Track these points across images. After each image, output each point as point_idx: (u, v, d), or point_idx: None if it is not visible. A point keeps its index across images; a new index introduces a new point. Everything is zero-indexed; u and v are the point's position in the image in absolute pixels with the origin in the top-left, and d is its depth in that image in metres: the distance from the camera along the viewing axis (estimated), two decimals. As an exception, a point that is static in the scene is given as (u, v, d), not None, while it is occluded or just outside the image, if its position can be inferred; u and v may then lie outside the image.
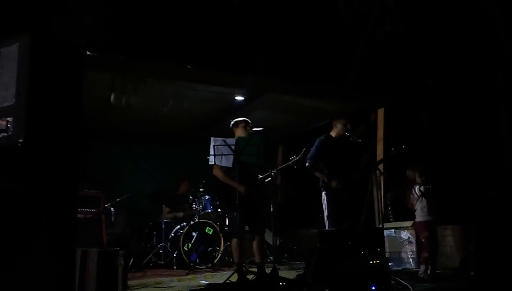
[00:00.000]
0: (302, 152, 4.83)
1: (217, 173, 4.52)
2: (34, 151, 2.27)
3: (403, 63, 5.35)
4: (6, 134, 2.28)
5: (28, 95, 2.29)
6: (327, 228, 4.77)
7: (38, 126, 2.30)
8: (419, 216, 4.79)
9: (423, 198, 4.76)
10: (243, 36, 4.47)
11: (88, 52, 3.81)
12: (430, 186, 4.76)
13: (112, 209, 6.03)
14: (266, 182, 5.05)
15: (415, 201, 4.83)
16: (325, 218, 4.83)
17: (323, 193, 4.90)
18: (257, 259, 4.54)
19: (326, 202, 4.85)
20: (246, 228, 4.73)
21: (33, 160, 2.27)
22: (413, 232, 5.44)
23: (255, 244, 4.52)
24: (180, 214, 6.73)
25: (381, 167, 5.33)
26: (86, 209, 5.24)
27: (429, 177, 4.84)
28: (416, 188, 4.80)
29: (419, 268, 4.79)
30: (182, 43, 4.31)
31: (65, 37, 2.71)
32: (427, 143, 5.48)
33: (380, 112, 6.41)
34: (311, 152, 4.94)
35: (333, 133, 5.12)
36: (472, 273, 4.59)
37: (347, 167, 4.88)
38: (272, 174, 4.92)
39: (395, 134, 6.05)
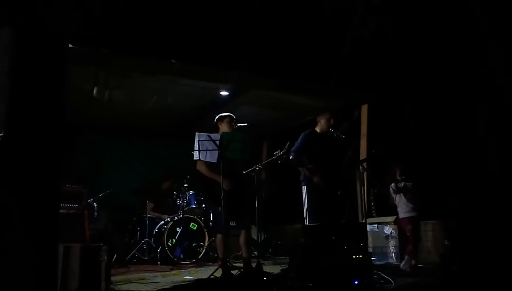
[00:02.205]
0: (286, 147, 4.86)
1: (200, 167, 4.51)
2: (15, 145, 2.24)
3: (387, 61, 5.40)
4: (-14, 128, 2.24)
5: (9, 88, 2.25)
6: (307, 221, 4.82)
7: (19, 120, 2.26)
8: (402, 213, 4.89)
9: (401, 195, 4.85)
10: (229, 31, 4.45)
11: (70, 45, 3.75)
12: (405, 184, 4.85)
13: (95, 204, 5.98)
14: (251, 177, 5.06)
15: (394, 198, 4.94)
16: (305, 211, 4.87)
17: (304, 186, 4.94)
18: (243, 253, 4.54)
19: (306, 196, 4.90)
20: (233, 223, 4.74)
21: (14, 154, 2.24)
22: (395, 227, 5.53)
23: (241, 238, 4.52)
24: (165, 216, 6.65)
25: (364, 163, 5.40)
26: (69, 204, 5.20)
27: (410, 174, 4.93)
28: (392, 185, 4.90)
29: (402, 260, 4.89)
30: (167, 37, 4.27)
31: (47, 29, 2.66)
32: (410, 139, 5.56)
33: (364, 109, 6.48)
34: (295, 145, 4.98)
35: (317, 129, 5.18)
36: (453, 268, 4.68)
37: (330, 162, 4.93)
38: (257, 169, 4.93)
39: (378, 130, 6.13)
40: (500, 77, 4.57)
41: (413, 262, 4.70)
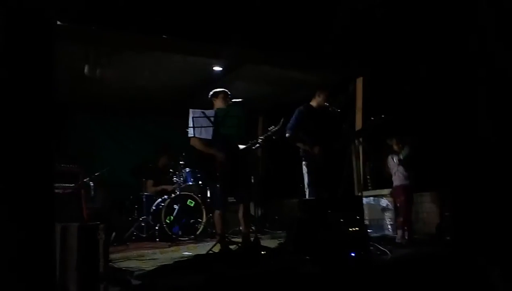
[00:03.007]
0: (281, 122, 4.84)
1: (194, 143, 4.47)
2: (5, 125, 2.20)
3: (381, 33, 5.33)
4: (-25, 108, 2.20)
5: (-4, 68, 2.20)
6: (307, 197, 4.84)
7: (9, 99, 2.22)
8: (396, 181, 4.91)
9: (400, 166, 4.87)
10: (220, 4, 4.36)
11: (59, 22, 3.65)
12: (408, 155, 4.85)
13: (91, 183, 5.96)
14: (247, 152, 5.04)
15: (392, 169, 4.94)
16: (306, 187, 4.88)
17: (303, 162, 4.94)
18: (242, 228, 4.56)
19: (306, 171, 4.90)
20: (231, 199, 4.75)
21: (5, 134, 2.20)
22: (391, 199, 5.57)
23: (240, 212, 4.53)
24: (163, 187, 6.70)
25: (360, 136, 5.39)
26: (65, 184, 5.18)
27: (407, 145, 4.93)
28: (395, 158, 4.90)
29: (396, 233, 4.93)
30: (157, 12, 4.18)
31: (34, 5, 2.58)
32: (406, 112, 5.54)
33: (359, 82, 6.43)
34: (290, 122, 4.94)
35: (313, 103, 5.14)
36: (447, 238, 4.74)
37: (327, 136, 4.92)
38: (257, 142, 4.87)
39: (374, 104, 6.10)
40: (492, 42, 4.52)
41: (406, 234, 4.71)
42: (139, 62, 5.60)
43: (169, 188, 6.62)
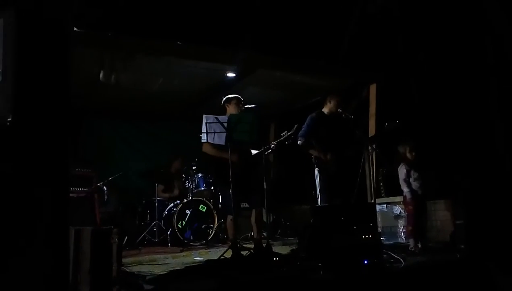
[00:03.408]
0: (294, 128, 4.82)
1: (206, 149, 4.49)
2: (23, 130, 2.23)
3: (394, 39, 5.31)
4: (-7, 113, 2.23)
5: (15, 72, 2.24)
6: (319, 203, 4.81)
7: (26, 104, 2.25)
8: (407, 190, 4.83)
9: (410, 176, 4.79)
10: (234, 10, 4.39)
11: (75, 29, 3.71)
12: (415, 169, 4.77)
13: (104, 188, 6.01)
14: (259, 158, 5.04)
15: (402, 178, 4.87)
16: (318, 193, 4.86)
17: (316, 169, 4.92)
18: (254, 233, 4.55)
19: (318, 178, 4.88)
20: (243, 205, 4.75)
21: (23, 138, 2.23)
22: (404, 207, 5.51)
23: (253, 217, 4.52)
24: (176, 192, 6.73)
25: (373, 142, 5.35)
26: (79, 188, 5.23)
27: (420, 153, 4.87)
28: (405, 167, 4.81)
29: (409, 241, 4.87)
30: (171, 18, 4.22)
31: (51, 12, 2.63)
32: (419, 119, 5.49)
33: (373, 88, 6.40)
34: (302, 129, 4.94)
35: (325, 110, 5.12)
36: (462, 246, 4.67)
37: (340, 143, 4.89)
38: (269, 147, 4.86)
39: (387, 110, 6.06)
40: (509, 46, 4.45)
41: (419, 243, 4.64)
42: (153, 67, 5.65)
43: (176, 192, 6.62)
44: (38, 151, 2.26)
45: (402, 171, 4.86)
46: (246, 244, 5.04)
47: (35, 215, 2.24)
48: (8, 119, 2.20)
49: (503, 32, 4.41)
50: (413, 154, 4.84)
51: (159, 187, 6.74)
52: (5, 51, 2.27)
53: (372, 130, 6.18)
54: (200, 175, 6.63)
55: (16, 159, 2.23)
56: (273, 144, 4.67)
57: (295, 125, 4.86)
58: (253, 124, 4.36)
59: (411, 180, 4.80)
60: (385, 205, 5.85)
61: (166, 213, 6.29)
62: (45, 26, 2.41)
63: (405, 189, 4.85)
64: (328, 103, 5.08)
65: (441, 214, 5.46)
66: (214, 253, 4.85)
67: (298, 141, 4.89)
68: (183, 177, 6.75)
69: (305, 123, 4.99)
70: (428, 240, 4.89)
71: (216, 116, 4.30)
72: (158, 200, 6.42)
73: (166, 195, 6.76)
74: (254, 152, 4.63)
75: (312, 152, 4.91)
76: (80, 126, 6.93)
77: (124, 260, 3.82)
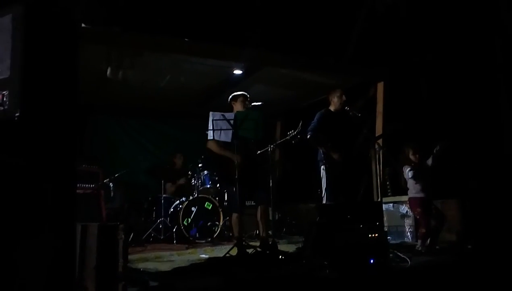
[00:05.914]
0: (300, 126, 4.81)
1: (212, 146, 4.49)
2: (31, 125, 2.23)
3: (402, 37, 5.28)
4: (2, 108, 2.24)
5: (23, 68, 2.24)
6: (325, 201, 4.80)
7: (34, 99, 2.25)
8: (412, 193, 4.77)
9: (413, 179, 4.73)
10: (241, 7, 4.38)
11: (83, 25, 3.72)
12: (419, 170, 4.71)
13: (110, 184, 6.04)
14: (265, 156, 5.03)
15: (405, 181, 4.82)
16: (323, 191, 4.84)
17: (322, 167, 4.90)
18: (260, 231, 4.55)
19: (324, 175, 4.86)
20: (249, 203, 4.75)
21: (31, 134, 2.24)
22: (411, 209, 5.47)
23: (258, 214, 4.52)
24: (182, 181, 6.75)
25: (380, 141, 5.33)
26: (85, 184, 5.26)
27: (423, 154, 4.79)
28: (407, 170, 4.74)
29: (417, 241, 4.83)
30: (179, 15, 4.22)
31: (59, 8, 2.63)
32: (427, 118, 5.45)
33: (380, 87, 6.36)
34: (312, 124, 4.94)
35: (331, 108, 5.12)
36: (469, 246, 4.64)
37: (347, 141, 4.88)
38: (275, 145, 4.85)
39: (394, 109, 6.03)
40: None
41: (427, 244, 4.59)
42: (160, 64, 5.66)
43: (182, 181, 6.69)
44: (45, 146, 2.26)
45: (406, 172, 4.80)
46: (252, 242, 5.04)
47: (41, 210, 2.24)
48: (17, 115, 2.20)
49: None
50: (417, 155, 4.77)
51: (167, 184, 6.75)
52: (13, 47, 2.27)
53: (379, 129, 6.15)
54: (206, 172, 6.64)
55: (24, 154, 2.24)
56: (272, 146, 4.67)
57: (300, 123, 4.85)
58: (259, 122, 4.36)
59: (415, 182, 4.73)
60: (391, 204, 5.82)
61: (172, 210, 6.30)
62: (53, 21, 2.41)
63: (408, 191, 4.80)
64: (332, 102, 5.09)
65: (448, 214, 5.41)
66: (220, 251, 4.84)
67: (308, 135, 4.88)
68: (189, 174, 6.76)
69: (315, 118, 5.00)
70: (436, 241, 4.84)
71: (223, 113, 4.30)
72: (164, 197, 6.42)
73: (172, 188, 6.78)
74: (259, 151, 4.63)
75: (319, 147, 4.90)
76: (87, 122, 6.96)
77: (130, 257, 3.81)
